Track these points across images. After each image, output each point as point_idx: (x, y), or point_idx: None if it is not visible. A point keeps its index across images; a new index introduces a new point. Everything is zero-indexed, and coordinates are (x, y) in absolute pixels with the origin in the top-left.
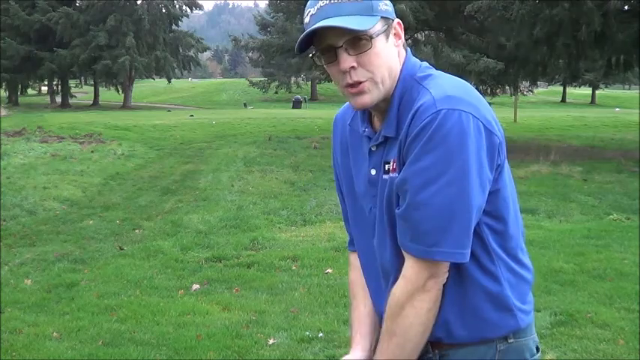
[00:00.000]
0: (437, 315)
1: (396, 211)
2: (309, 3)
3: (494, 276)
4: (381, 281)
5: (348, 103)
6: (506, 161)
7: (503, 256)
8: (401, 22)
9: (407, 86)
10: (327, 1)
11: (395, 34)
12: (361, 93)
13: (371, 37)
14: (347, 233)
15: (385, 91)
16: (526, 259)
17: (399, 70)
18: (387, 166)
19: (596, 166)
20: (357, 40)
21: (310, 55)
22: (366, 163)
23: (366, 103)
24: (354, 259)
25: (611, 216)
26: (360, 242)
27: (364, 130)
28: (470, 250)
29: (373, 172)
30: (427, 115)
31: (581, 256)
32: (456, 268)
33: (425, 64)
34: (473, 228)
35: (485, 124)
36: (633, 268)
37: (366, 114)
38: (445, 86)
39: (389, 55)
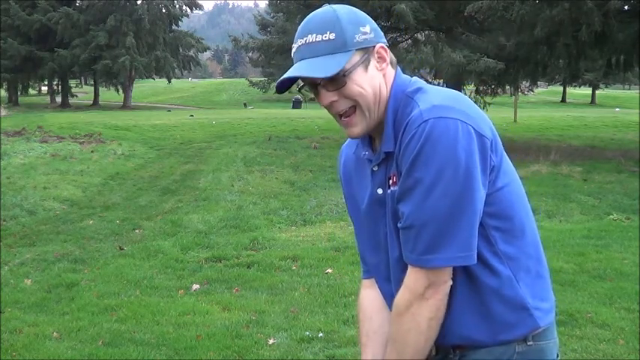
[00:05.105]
0: (454, 322)
1: (398, 224)
2: (295, 37)
3: (505, 277)
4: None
5: None
6: (506, 160)
7: (514, 254)
8: (384, 45)
9: (399, 102)
10: (303, 42)
11: (379, 57)
12: (350, 125)
13: (344, 75)
14: (362, 263)
15: (373, 119)
16: (541, 255)
17: (386, 92)
18: (390, 181)
19: (596, 166)
20: (334, 78)
21: (298, 88)
22: (370, 186)
23: (356, 134)
24: (368, 285)
25: (611, 216)
26: (377, 265)
27: (364, 154)
28: (476, 252)
29: (380, 191)
30: (415, 127)
31: (581, 256)
32: (467, 273)
33: (415, 78)
34: (476, 228)
35: (475, 128)
36: (633, 268)
37: (366, 139)
38: (432, 98)
39: (371, 82)
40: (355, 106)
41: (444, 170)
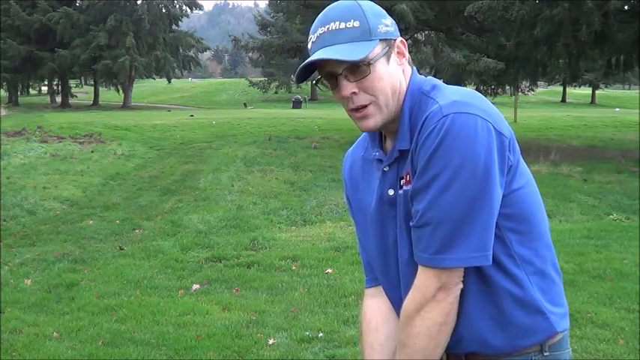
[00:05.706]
0: (468, 327)
1: (411, 223)
2: (312, 29)
3: (520, 280)
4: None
5: (359, 139)
6: (522, 161)
7: (530, 257)
8: (404, 40)
9: (416, 100)
10: (326, 29)
11: (398, 52)
12: (365, 117)
13: (369, 63)
14: (364, 269)
15: (390, 113)
16: (555, 259)
17: (404, 88)
18: (402, 181)
19: (596, 166)
20: (356, 67)
21: (314, 81)
22: (380, 187)
23: (370, 127)
24: (372, 294)
25: (611, 216)
26: (386, 272)
27: (375, 154)
28: (492, 252)
29: (391, 192)
30: (434, 122)
31: (581, 256)
32: (481, 276)
33: (430, 77)
34: (492, 228)
35: (493, 125)
36: (633, 268)
37: (377, 140)
38: (450, 94)
39: (391, 76)
40: (372, 102)
41: (462, 167)
